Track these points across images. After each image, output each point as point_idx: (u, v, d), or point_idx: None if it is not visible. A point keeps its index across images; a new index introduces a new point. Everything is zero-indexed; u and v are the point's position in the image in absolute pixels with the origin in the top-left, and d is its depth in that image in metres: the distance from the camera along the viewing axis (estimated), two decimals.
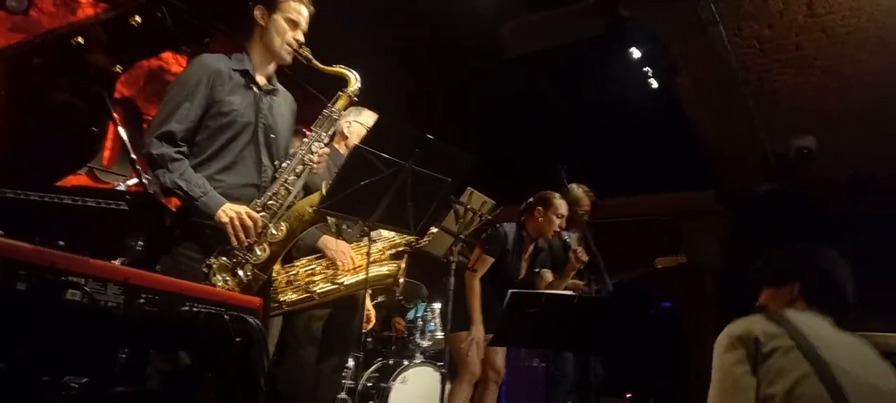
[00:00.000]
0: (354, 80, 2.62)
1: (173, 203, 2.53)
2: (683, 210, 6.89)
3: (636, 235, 4.98)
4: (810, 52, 4.82)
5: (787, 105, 5.39)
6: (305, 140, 2.56)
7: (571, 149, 5.01)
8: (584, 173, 4.22)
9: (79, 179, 4.13)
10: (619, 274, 4.73)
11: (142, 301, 1.43)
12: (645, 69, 5.19)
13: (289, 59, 2.55)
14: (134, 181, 2.87)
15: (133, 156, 2.45)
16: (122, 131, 2.56)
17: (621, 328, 3.53)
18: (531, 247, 4.04)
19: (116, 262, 1.75)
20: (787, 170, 5.90)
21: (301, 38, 2.55)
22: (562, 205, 3.91)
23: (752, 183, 6.19)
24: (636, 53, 5.02)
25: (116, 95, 4.96)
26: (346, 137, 3.32)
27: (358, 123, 3.31)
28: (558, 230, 3.86)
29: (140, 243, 1.91)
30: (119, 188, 3.50)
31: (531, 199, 4.01)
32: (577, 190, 4.41)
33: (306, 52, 2.53)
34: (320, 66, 2.55)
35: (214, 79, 2.41)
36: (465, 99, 5.82)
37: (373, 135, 2.39)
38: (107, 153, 4.87)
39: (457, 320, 3.65)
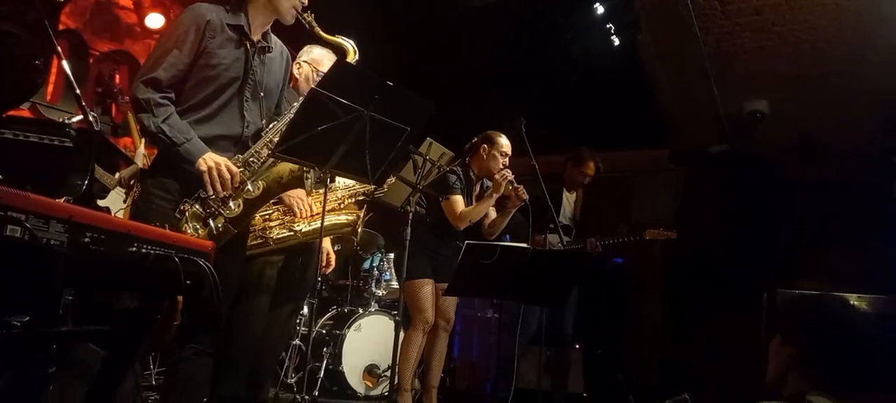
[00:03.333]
0: (353, 53, 2.59)
1: (123, 143, 2.43)
2: (638, 167, 7.01)
3: (590, 189, 5.02)
4: (769, 17, 4.88)
5: (743, 68, 5.48)
6: (295, 104, 2.52)
7: (531, 103, 5.01)
8: (543, 128, 4.23)
9: (21, 115, 3.96)
10: (605, 236, 4.84)
11: (86, 240, 1.38)
12: (608, 26, 5.20)
13: (292, 20, 2.50)
14: (79, 118, 2.75)
15: (78, 91, 2.35)
16: (66, 65, 2.44)
17: (573, 282, 3.62)
18: (478, 187, 4.07)
19: (61, 200, 1.69)
20: (740, 132, 6.03)
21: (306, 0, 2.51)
22: (505, 143, 3.95)
23: (706, 143, 6.31)
24: (600, 8, 5.01)
25: (61, 27, 4.73)
26: (296, 79, 3.21)
27: (307, 64, 3.21)
28: (502, 168, 3.87)
29: (85, 181, 1.84)
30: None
31: (475, 139, 4.04)
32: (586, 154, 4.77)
33: (310, 17, 2.50)
34: (322, 33, 2.53)
35: (205, 29, 2.37)
36: (427, 46, 5.74)
37: (331, 78, 2.34)
38: (50, 88, 4.67)
39: (412, 268, 3.68)
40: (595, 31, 5.22)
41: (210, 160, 2.30)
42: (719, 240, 5.93)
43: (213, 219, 2.33)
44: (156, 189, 2.35)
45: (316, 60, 3.17)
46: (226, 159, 2.34)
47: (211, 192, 2.30)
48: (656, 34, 5.26)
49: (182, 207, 2.31)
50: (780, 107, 5.76)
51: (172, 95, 2.36)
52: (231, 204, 2.36)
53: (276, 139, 2.42)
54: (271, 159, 2.44)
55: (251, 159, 2.42)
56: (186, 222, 2.29)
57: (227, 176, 2.31)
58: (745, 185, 6.12)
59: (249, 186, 2.40)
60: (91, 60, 5.11)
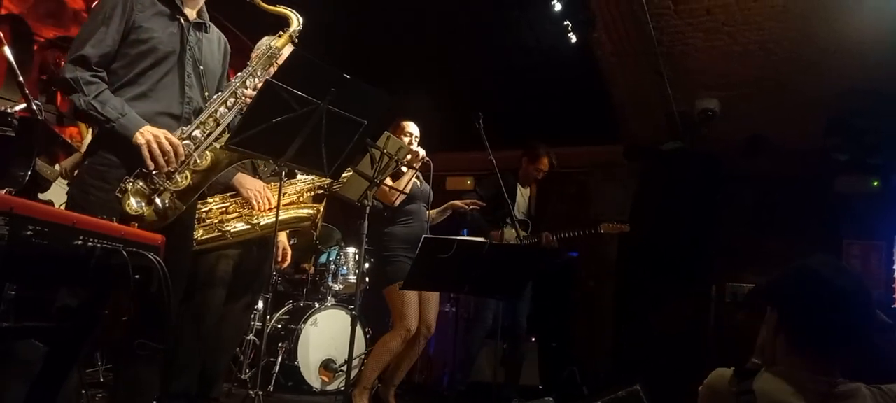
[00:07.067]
0: (296, 21, 2.54)
1: (69, 132, 2.35)
2: (595, 162, 7.12)
3: (544, 184, 5.10)
4: (720, 17, 5.02)
5: (695, 67, 5.61)
6: (240, 74, 2.45)
7: (488, 98, 5.04)
8: (499, 124, 4.25)
9: None
10: (560, 231, 4.92)
11: (29, 233, 1.33)
12: (565, 23, 5.26)
13: None
14: (22, 106, 2.65)
15: (21, 79, 2.27)
16: (8, 52, 2.36)
17: (529, 275, 3.66)
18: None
19: (2, 192, 1.63)
20: (691, 129, 6.18)
21: None
22: (409, 124, 3.97)
23: (659, 139, 6.44)
24: (557, 5, 5.07)
25: (3, 12, 4.55)
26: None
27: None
28: (414, 146, 3.87)
29: (28, 172, 1.78)
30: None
31: None
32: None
33: None
34: (262, 4, 2.46)
35: (133, 4, 2.29)
36: (382, 40, 5.71)
37: (287, 70, 2.31)
38: None
39: (398, 271, 3.66)
40: (552, 28, 5.28)
41: (148, 133, 2.20)
42: (670, 234, 6.07)
43: (159, 195, 2.22)
44: (92, 177, 2.24)
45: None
46: (166, 131, 2.25)
47: (152, 166, 2.20)
48: (611, 32, 5.36)
49: (123, 185, 2.19)
50: (730, 104, 5.93)
51: (104, 74, 2.27)
52: (177, 177, 2.26)
53: (221, 109, 2.36)
54: (219, 131, 2.35)
55: (195, 132, 2.32)
56: (128, 198, 2.17)
57: (169, 147, 2.21)
58: (695, 180, 6.27)
59: (196, 158, 2.30)
60: (35, 47, 4.92)
